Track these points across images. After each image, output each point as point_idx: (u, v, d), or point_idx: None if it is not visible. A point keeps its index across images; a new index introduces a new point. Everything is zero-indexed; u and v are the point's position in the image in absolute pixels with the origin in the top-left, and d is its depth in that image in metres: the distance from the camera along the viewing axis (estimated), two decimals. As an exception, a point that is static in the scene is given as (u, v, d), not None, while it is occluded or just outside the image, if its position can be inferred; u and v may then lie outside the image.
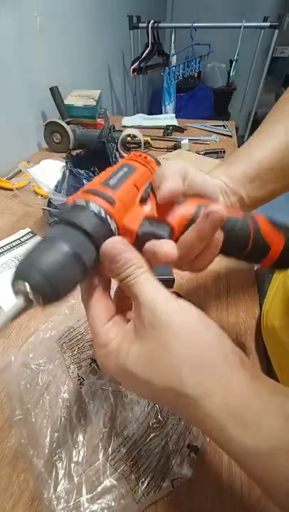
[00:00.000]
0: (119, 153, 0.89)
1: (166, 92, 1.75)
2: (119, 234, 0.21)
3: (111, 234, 0.21)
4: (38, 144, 1.04)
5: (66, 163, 0.61)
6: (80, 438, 0.33)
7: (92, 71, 1.44)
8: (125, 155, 0.95)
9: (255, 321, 0.47)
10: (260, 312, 0.46)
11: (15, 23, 0.84)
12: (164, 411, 0.35)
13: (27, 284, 0.17)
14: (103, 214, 0.20)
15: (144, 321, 0.19)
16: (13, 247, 0.60)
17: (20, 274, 0.18)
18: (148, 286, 0.20)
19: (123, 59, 1.81)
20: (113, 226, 0.21)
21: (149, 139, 1.02)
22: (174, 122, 1.20)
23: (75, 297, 0.49)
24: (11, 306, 0.18)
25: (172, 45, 1.75)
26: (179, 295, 0.49)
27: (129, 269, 0.20)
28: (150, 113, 1.43)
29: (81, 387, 0.37)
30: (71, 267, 0.18)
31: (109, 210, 0.20)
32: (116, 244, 0.20)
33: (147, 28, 1.61)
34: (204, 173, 0.26)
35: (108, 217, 0.20)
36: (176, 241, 0.24)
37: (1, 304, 0.49)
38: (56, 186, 0.59)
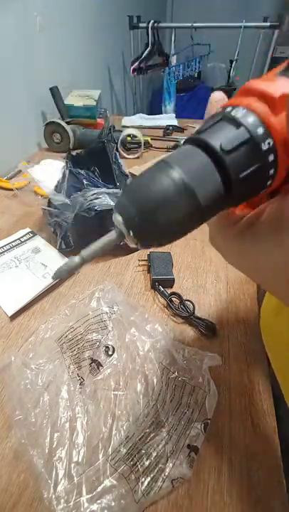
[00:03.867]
0: (119, 153, 0.89)
1: (166, 92, 1.75)
2: (277, 156, 0.14)
3: (263, 160, 0.14)
4: (38, 144, 1.04)
5: (66, 163, 0.61)
6: (80, 438, 0.33)
7: (92, 71, 1.44)
8: (125, 155, 0.95)
9: (256, 320, 0.47)
10: (260, 311, 0.46)
11: (15, 23, 0.84)
12: (164, 411, 0.35)
13: (119, 216, 0.15)
14: (257, 129, 0.14)
15: None
16: (13, 247, 0.60)
17: (117, 203, 0.15)
18: None
19: (123, 59, 1.81)
20: (268, 143, 0.14)
21: (149, 139, 1.02)
22: (174, 122, 1.20)
23: (75, 297, 0.49)
24: (104, 237, 0.16)
25: (172, 45, 1.75)
26: (178, 295, 0.49)
27: None
28: (150, 113, 1.43)
29: (81, 387, 0.37)
30: (175, 203, 0.14)
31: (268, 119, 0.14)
32: None
33: (147, 28, 1.61)
34: None
35: (265, 130, 0.14)
36: None
37: (1, 303, 0.49)
38: (56, 186, 0.59)
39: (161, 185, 0.14)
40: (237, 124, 0.14)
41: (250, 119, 0.14)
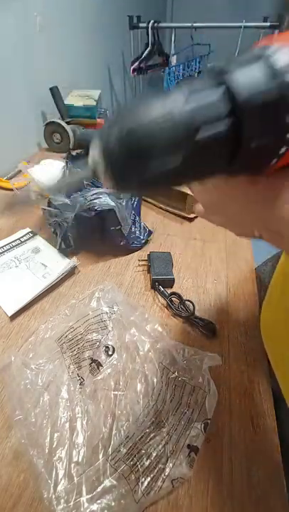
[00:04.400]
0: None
1: (166, 92, 1.75)
2: None
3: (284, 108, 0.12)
4: (38, 144, 1.04)
5: (66, 163, 0.61)
6: (80, 438, 0.33)
7: (92, 71, 1.44)
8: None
9: (256, 320, 0.47)
10: (260, 312, 0.46)
11: (15, 23, 0.84)
12: (164, 411, 0.35)
13: (98, 142, 0.12)
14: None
15: None
16: (13, 247, 0.60)
17: (101, 129, 0.13)
18: None
19: (123, 59, 1.81)
20: None
21: (149, 139, 1.02)
22: (174, 122, 1.20)
23: (75, 297, 0.49)
24: (75, 173, 0.14)
25: (172, 45, 1.75)
26: (178, 295, 0.49)
27: None
28: (150, 113, 1.42)
29: (81, 387, 0.37)
30: (171, 137, 0.11)
31: None
32: None
33: (147, 28, 1.61)
34: None
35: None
36: None
37: (1, 303, 0.49)
38: (56, 186, 0.59)
39: (159, 110, 0.11)
40: (268, 63, 0.12)
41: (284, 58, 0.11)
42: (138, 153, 0.12)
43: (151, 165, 0.12)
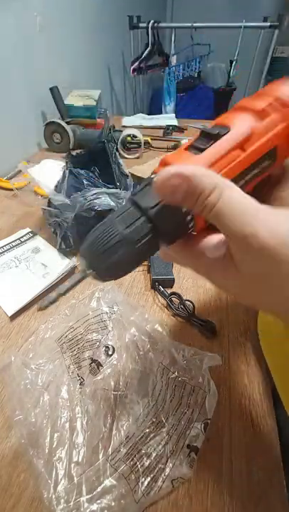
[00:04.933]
0: (119, 153, 0.89)
1: (166, 92, 1.75)
2: (193, 217, 0.19)
3: (178, 216, 0.19)
4: (38, 144, 1.04)
5: (66, 163, 0.61)
6: (80, 438, 0.33)
7: (92, 71, 1.44)
8: (125, 155, 0.95)
9: (256, 320, 0.46)
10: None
11: (15, 23, 0.84)
12: (164, 411, 0.35)
13: (84, 261, 0.20)
14: None
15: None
16: (13, 247, 0.60)
17: (81, 249, 0.20)
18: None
19: (123, 59, 1.81)
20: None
21: (149, 139, 1.02)
22: (174, 122, 1.20)
23: (75, 297, 0.49)
24: (75, 275, 0.19)
25: (172, 45, 1.75)
26: (178, 295, 0.49)
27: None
28: (150, 113, 1.43)
29: (81, 387, 0.37)
30: (124, 251, 0.19)
31: None
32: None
33: (147, 28, 1.62)
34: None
35: None
36: None
37: (1, 303, 0.49)
38: (56, 186, 0.59)
39: (112, 240, 0.19)
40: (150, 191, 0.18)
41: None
42: (107, 266, 0.20)
43: (118, 268, 0.20)
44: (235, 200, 0.16)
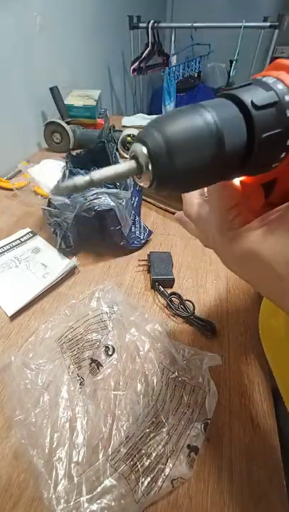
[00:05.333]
0: (119, 153, 0.89)
1: (166, 92, 1.75)
2: None
3: (285, 126, 0.15)
4: (38, 144, 1.04)
5: (66, 163, 0.61)
6: (80, 438, 0.33)
7: (92, 71, 1.44)
8: (125, 155, 0.95)
9: (256, 320, 0.46)
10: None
11: (15, 23, 0.84)
12: (164, 411, 0.35)
13: (143, 147, 0.14)
14: (285, 96, 0.15)
15: None
16: (13, 247, 0.60)
17: (142, 132, 0.15)
18: None
19: (123, 59, 1.81)
20: None
21: (149, 139, 1.02)
22: (174, 122, 1.20)
23: (75, 297, 0.49)
24: (120, 164, 0.15)
25: (172, 45, 1.75)
26: (178, 295, 0.49)
27: None
28: (150, 113, 1.43)
29: (81, 387, 0.37)
30: (204, 142, 0.14)
31: None
32: None
33: (147, 28, 1.62)
34: None
35: None
36: None
37: (1, 303, 0.49)
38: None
39: (193, 122, 0.14)
40: (268, 87, 0.15)
41: (280, 86, 0.15)
42: (182, 159, 0.14)
43: (189, 169, 0.14)
44: None
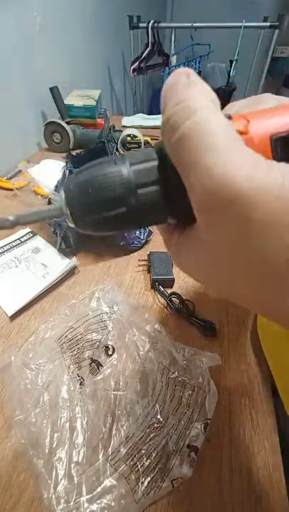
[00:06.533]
0: (119, 153, 0.89)
1: (166, 92, 1.75)
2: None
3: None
4: (38, 144, 1.04)
5: (66, 163, 0.61)
6: (80, 438, 0.33)
7: (92, 71, 1.44)
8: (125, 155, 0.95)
9: (256, 321, 0.46)
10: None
11: (15, 23, 0.84)
12: (164, 411, 0.35)
13: (62, 192, 0.16)
14: None
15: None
16: (13, 247, 0.60)
17: (66, 182, 0.17)
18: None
19: (123, 59, 1.81)
20: None
21: (149, 139, 1.02)
22: (174, 122, 1.20)
23: (75, 297, 0.49)
24: (46, 207, 0.17)
25: (172, 45, 1.75)
26: (178, 295, 0.49)
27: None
28: (150, 113, 1.42)
29: (81, 387, 0.37)
30: (110, 191, 0.15)
31: None
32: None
33: (147, 28, 1.62)
34: None
35: None
36: None
37: (1, 303, 0.49)
38: (56, 186, 0.59)
39: (102, 174, 0.15)
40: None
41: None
42: (92, 199, 0.15)
43: (102, 209, 0.15)
44: (211, 126, 0.12)
